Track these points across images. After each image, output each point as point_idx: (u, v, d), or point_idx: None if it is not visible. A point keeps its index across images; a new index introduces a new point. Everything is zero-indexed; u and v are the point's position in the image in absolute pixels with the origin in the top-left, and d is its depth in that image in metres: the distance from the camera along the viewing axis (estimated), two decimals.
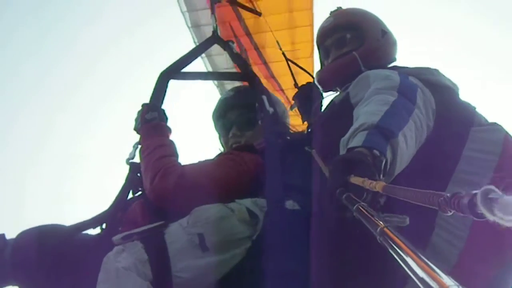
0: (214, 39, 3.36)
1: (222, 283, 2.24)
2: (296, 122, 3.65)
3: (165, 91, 3.08)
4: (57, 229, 2.65)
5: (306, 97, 3.39)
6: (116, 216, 2.74)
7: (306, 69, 3.96)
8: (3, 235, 2.58)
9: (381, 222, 1.29)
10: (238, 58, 3.32)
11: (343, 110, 2.46)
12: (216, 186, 2.56)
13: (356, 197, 1.58)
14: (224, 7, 4.08)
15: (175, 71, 3.12)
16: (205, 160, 2.84)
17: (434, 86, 2.52)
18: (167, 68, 3.11)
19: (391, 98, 2.20)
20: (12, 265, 2.44)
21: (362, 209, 1.46)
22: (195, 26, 4.34)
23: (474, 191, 1.07)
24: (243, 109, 3.15)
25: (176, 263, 2.17)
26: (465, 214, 1.08)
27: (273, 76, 4.75)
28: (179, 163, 2.69)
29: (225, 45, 3.35)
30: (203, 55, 4.48)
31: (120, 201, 2.80)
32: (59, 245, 2.52)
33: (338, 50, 3.04)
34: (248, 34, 4.53)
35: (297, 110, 3.52)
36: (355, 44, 2.98)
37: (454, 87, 2.69)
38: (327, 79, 3.06)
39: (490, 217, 1.01)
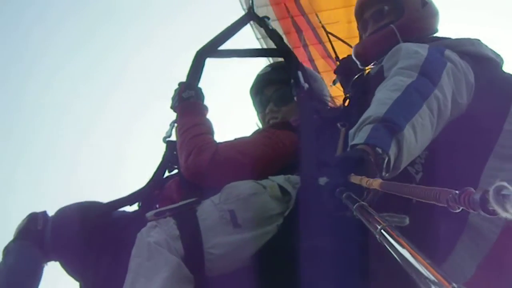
0: (250, 15, 3.35)
1: (254, 259, 2.25)
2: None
3: (202, 70, 3.10)
4: (95, 206, 2.72)
5: (346, 70, 3.36)
6: (152, 194, 2.79)
7: None
8: (45, 212, 2.66)
9: (381, 221, 1.29)
10: (274, 34, 3.30)
11: (377, 85, 2.38)
12: (250, 163, 2.58)
13: (357, 196, 1.58)
14: None
15: (211, 49, 3.13)
16: (242, 137, 2.86)
17: (474, 58, 2.44)
18: (203, 47, 3.12)
19: (406, 81, 2.13)
20: (53, 241, 2.51)
21: (363, 208, 1.47)
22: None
23: (486, 188, 1.06)
24: (280, 85, 3.13)
25: (208, 240, 2.20)
26: (476, 210, 1.08)
27: (329, 56, 4.72)
28: (215, 141, 2.71)
29: (261, 21, 3.35)
30: (259, 35, 4.55)
31: (157, 178, 2.85)
32: (97, 221, 2.59)
33: (376, 23, 3.00)
34: (304, 14, 4.55)
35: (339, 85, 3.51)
36: (394, 16, 2.92)
37: (498, 58, 2.60)
38: (364, 54, 3.01)
39: (502, 213, 1.00)
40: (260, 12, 4.39)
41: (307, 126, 2.71)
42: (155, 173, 2.86)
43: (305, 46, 4.73)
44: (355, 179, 1.68)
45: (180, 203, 2.42)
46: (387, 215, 1.43)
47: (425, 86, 2.12)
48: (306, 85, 2.92)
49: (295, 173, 2.54)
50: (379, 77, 2.47)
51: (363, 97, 2.60)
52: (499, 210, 1.00)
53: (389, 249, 1.18)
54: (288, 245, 2.24)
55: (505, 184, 0.99)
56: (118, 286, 2.12)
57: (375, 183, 1.51)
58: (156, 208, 2.54)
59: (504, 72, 2.56)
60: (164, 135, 2.98)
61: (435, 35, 2.88)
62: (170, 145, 2.92)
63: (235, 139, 2.84)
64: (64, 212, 2.65)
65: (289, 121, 2.95)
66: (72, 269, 2.58)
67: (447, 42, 2.59)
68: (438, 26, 2.96)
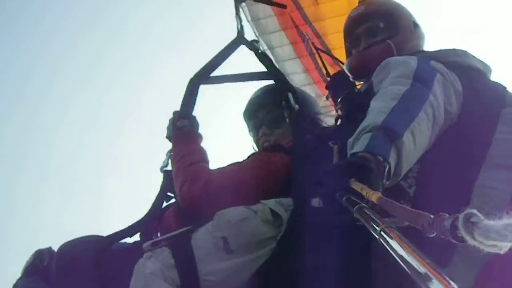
0: (240, 39, 3.37)
1: (251, 284, 2.29)
2: None
3: (196, 97, 3.14)
4: (96, 241, 2.77)
5: (337, 86, 3.35)
6: (151, 224, 2.84)
7: None
8: (50, 248, 2.79)
9: (380, 223, 1.32)
10: (264, 58, 3.34)
11: (367, 101, 2.39)
12: (243, 188, 2.61)
13: (357, 199, 1.60)
14: None
15: (203, 76, 3.17)
16: (235, 163, 2.88)
17: (461, 68, 2.46)
18: (196, 74, 3.16)
19: (402, 88, 2.16)
20: (58, 276, 2.63)
21: (363, 211, 1.50)
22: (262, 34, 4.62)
23: (456, 214, 1.11)
24: (271, 107, 3.17)
25: (203, 267, 2.24)
26: (446, 237, 1.14)
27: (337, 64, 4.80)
28: (208, 169, 2.76)
29: (250, 45, 3.37)
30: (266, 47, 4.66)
31: (155, 209, 2.90)
32: (98, 256, 2.65)
33: (370, 39, 3.02)
34: (308, 22, 4.65)
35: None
36: (388, 33, 2.97)
37: (485, 68, 2.62)
38: (358, 67, 3.04)
39: (470, 241, 1.05)
40: (264, 23, 4.56)
41: (299, 147, 2.74)
42: (153, 204, 2.91)
43: (311, 54, 4.76)
44: (356, 185, 1.70)
45: (175, 232, 2.47)
46: (387, 218, 1.41)
47: (421, 91, 2.16)
48: (296, 106, 2.95)
49: (288, 195, 2.55)
50: (368, 93, 2.51)
51: (353, 114, 2.66)
52: (467, 238, 1.05)
53: (389, 250, 1.21)
54: (283, 267, 2.29)
55: (474, 211, 1.05)
56: None
57: (374, 196, 1.55)
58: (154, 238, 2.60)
59: (491, 81, 2.57)
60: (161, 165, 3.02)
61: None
62: (167, 174, 2.95)
63: (229, 164, 2.85)
64: (66, 248, 2.73)
65: (282, 143, 2.97)
66: None
67: (432, 54, 2.62)
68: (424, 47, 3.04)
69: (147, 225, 2.83)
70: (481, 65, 2.59)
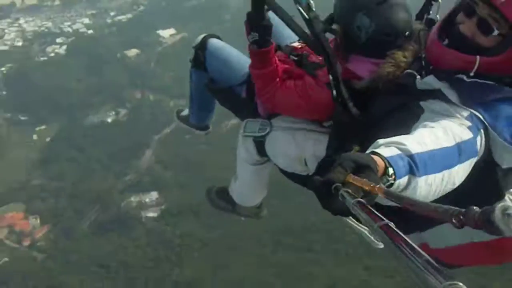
0: None
1: None
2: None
3: None
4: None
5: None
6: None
7: None
8: (203, 43, 4.85)
9: (377, 219, 1.41)
10: None
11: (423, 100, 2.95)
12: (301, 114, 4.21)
13: (353, 194, 1.77)
14: None
15: None
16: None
17: None
18: None
19: (445, 143, 2.44)
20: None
21: (361, 204, 1.60)
22: None
23: (492, 206, 1.20)
24: None
25: None
26: (481, 229, 1.23)
27: None
28: (274, 95, 4.10)
29: None
30: None
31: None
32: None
33: (479, 32, 2.87)
34: None
35: None
36: (497, 43, 2.84)
37: None
38: (439, 60, 3.04)
39: (508, 232, 1.17)
40: None
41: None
42: None
43: None
44: (355, 179, 1.86)
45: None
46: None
47: (453, 159, 2.43)
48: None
49: None
50: (434, 94, 2.90)
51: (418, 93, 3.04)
52: (505, 229, 1.15)
53: (387, 244, 1.27)
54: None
55: (510, 204, 1.23)
56: None
57: (379, 189, 1.65)
58: None
59: None
60: None
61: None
62: None
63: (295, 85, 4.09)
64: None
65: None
66: None
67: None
68: None
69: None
70: None
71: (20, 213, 57.33)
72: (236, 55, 4.76)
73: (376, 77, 3.52)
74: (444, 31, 3.05)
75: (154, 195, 55.69)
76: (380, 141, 2.30)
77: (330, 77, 3.58)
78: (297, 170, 4.23)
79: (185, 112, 6.12)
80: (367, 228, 2.43)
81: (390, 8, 3.56)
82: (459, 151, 2.43)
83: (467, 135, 2.53)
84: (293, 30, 3.69)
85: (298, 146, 4.13)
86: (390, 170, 2.08)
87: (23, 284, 49.20)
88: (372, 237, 2.51)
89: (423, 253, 1.12)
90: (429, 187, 2.26)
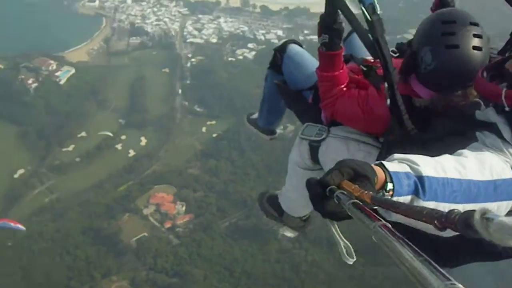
0: None
1: None
2: None
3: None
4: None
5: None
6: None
7: None
8: (283, 47, 5.09)
9: (374, 220, 1.42)
10: None
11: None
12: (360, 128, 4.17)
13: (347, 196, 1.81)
14: None
15: None
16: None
17: None
18: None
19: (475, 176, 2.33)
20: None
21: (358, 205, 1.65)
22: None
23: (471, 210, 1.24)
24: None
25: None
26: (461, 232, 1.25)
27: None
28: (335, 100, 4.15)
29: None
30: None
31: None
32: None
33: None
34: None
35: None
36: None
37: None
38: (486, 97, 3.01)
39: (486, 236, 1.17)
40: None
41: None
42: None
43: None
44: (347, 184, 1.92)
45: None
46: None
47: (484, 193, 2.34)
48: None
49: None
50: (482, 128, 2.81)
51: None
52: (483, 233, 1.16)
53: (384, 245, 1.28)
54: None
55: (489, 208, 1.18)
56: None
57: (366, 195, 1.69)
58: None
59: None
60: None
61: None
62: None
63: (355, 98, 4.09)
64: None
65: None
66: None
67: None
68: None
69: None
70: None
71: (170, 195, 60.83)
72: (310, 62, 4.82)
73: (440, 101, 3.53)
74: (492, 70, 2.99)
75: None
76: (396, 155, 2.31)
77: (386, 84, 3.60)
78: None
79: (255, 115, 6.25)
80: (344, 241, 2.45)
81: (459, 56, 3.33)
82: (494, 188, 2.37)
83: (509, 174, 2.46)
84: (357, 33, 3.72)
85: (349, 155, 4.11)
86: (389, 185, 2.08)
87: (152, 261, 51.94)
88: (345, 252, 2.49)
89: (422, 253, 1.16)
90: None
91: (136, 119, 74.29)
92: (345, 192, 1.86)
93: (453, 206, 2.17)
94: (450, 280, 0.99)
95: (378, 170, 2.10)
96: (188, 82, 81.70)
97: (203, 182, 62.35)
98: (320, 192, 2.02)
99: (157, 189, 61.80)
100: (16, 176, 65.83)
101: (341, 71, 4.05)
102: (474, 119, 2.99)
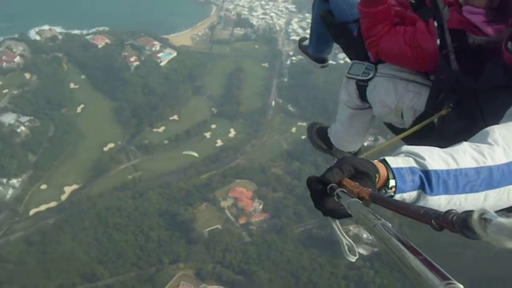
0: None
1: None
2: None
3: None
4: None
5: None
6: None
7: None
8: None
9: (375, 218, 1.43)
10: None
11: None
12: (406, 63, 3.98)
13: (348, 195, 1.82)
14: None
15: None
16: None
17: None
18: None
19: (501, 158, 2.19)
20: None
21: (357, 204, 1.67)
22: None
23: (470, 210, 1.23)
24: None
25: None
26: (458, 232, 1.25)
27: None
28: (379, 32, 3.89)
29: None
30: None
31: None
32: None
33: None
34: None
35: None
36: None
37: None
38: None
39: (484, 237, 1.16)
40: None
41: None
42: None
43: None
44: (347, 182, 1.93)
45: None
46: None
47: (502, 178, 2.18)
48: None
49: None
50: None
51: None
52: (481, 234, 1.16)
53: (383, 244, 1.29)
54: None
55: (487, 209, 1.17)
56: None
57: (364, 192, 1.70)
58: None
59: None
60: None
61: None
62: None
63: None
64: None
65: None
66: None
67: None
68: None
69: None
70: None
71: (249, 191, 61.16)
72: None
73: (501, 37, 3.16)
74: None
75: None
76: (404, 148, 2.26)
77: (435, 23, 3.41)
78: (393, 121, 4.29)
79: (307, 41, 6.11)
80: (346, 238, 2.22)
81: None
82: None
83: None
84: None
85: (397, 96, 4.09)
86: (392, 182, 2.05)
87: (220, 254, 52.36)
88: (346, 249, 2.26)
89: (422, 252, 1.17)
90: (458, 207, 2.12)
91: (229, 109, 75.37)
92: (345, 190, 1.88)
93: (471, 196, 2.14)
94: (449, 279, 1.01)
95: (380, 166, 2.07)
96: (285, 79, 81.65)
97: (284, 183, 62.23)
98: (320, 189, 2.01)
99: (238, 183, 62.38)
100: (105, 149, 68.74)
101: (384, 5, 3.83)
102: None
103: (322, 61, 6.11)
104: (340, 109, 4.91)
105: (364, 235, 52.98)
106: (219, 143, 71.13)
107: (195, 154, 66.02)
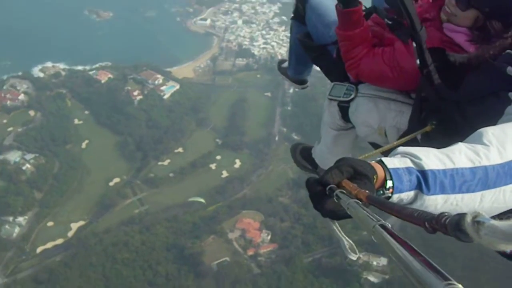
0: None
1: None
2: None
3: None
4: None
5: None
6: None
7: None
8: None
9: (377, 219, 1.43)
10: None
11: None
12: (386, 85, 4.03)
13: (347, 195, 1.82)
14: None
15: None
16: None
17: None
18: None
19: (496, 158, 2.20)
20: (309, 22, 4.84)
21: (358, 204, 1.68)
22: None
23: (463, 213, 1.23)
24: None
25: None
26: (451, 234, 1.25)
27: None
28: (360, 57, 3.92)
29: None
30: None
31: None
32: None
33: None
34: None
35: None
36: None
37: None
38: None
39: (477, 239, 1.18)
40: None
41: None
42: None
43: None
44: (346, 183, 1.95)
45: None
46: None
47: (500, 178, 2.20)
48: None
49: None
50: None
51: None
52: (473, 236, 1.17)
53: (383, 245, 1.29)
54: None
55: (480, 212, 1.19)
56: None
57: (362, 194, 1.73)
58: None
59: None
60: None
61: None
62: None
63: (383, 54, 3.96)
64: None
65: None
66: None
67: None
68: None
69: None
70: None
71: (256, 222, 60.92)
72: (334, 12, 4.17)
73: (486, 51, 3.29)
74: None
75: (383, 261, 53.29)
76: (400, 149, 2.28)
77: (414, 44, 3.48)
78: (377, 140, 4.30)
79: (286, 64, 6.11)
80: (346, 239, 2.28)
81: None
82: (507, 173, 2.24)
83: None
84: None
85: (379, 115, 4.11)
86: (389, 183, 2.07)
87: (230, 287, 51.93)
88: (347, 248, 2.29)
89: (421, 253, 1.17)
90: (454, 207, 2.17)
91: (233, 140, 75.50)
92: (344, 191, 1.89)
93: (467, 196, 2.17)
94: (449, 280, 1.00)
95: (377, 167, 2.10)
96: (288, 108, 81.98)
97: (291, 212, 61.93)
98: (319, 190, 2.02)
99: (245, 214, 62.13)
100: (111, 184, 68.76)
101: (362, 28, 3.86)
102: (505, 75, 3.04)
103: (301, 82, 6.17)
104: (323, 131, 4.94)
105: (374, 263, 52.61)
106: (225, 174, 71.05)
107: (202, 200, 65.04)
